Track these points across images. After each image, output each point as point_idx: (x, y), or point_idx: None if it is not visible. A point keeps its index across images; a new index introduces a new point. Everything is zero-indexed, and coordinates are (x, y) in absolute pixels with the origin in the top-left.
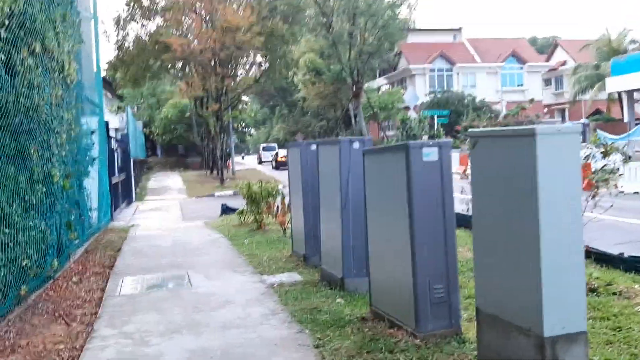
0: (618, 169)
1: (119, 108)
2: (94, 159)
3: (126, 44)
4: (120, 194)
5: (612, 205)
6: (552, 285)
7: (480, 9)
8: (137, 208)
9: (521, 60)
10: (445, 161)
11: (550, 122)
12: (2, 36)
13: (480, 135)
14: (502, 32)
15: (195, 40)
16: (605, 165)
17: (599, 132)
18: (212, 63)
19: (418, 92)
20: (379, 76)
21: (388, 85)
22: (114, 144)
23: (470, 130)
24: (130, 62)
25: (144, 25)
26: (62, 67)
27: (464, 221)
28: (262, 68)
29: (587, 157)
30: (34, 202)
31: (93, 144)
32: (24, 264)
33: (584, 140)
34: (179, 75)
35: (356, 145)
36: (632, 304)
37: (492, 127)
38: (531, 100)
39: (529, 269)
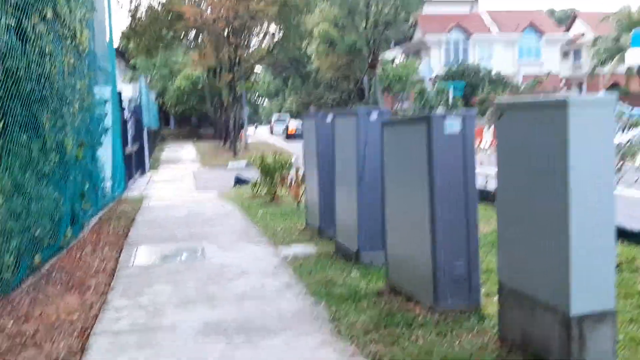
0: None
1: (132, 79)
2: (107, 129)
3: (139, 14)
4: (134, 164)
5: (637, 180)
6: (581, 263)
7: None
8: (151, 178)
9: (539, 32)
10: (468, 133)
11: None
12: (12, 1)
13: (507, 106)
14: (520, 4)
15: (209, 9)
16: (630, 139)
17: (621, 105)
18: (225, 33)
19: (433, 64)
20: (394, 47)
21: (403, 57)
22: (127, 114)
23: (496, 100)
24: (142, 32)
25: None
26: (74, 35)
27: (480, 195)
28: (276, 38)
29: None
30: (47, 171)
31: (106, 113)
32: (37, 233)
33: None
34: (192, 45)
35: (374, 116)
36: None
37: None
38: (549, 73)
39: (557, 245)
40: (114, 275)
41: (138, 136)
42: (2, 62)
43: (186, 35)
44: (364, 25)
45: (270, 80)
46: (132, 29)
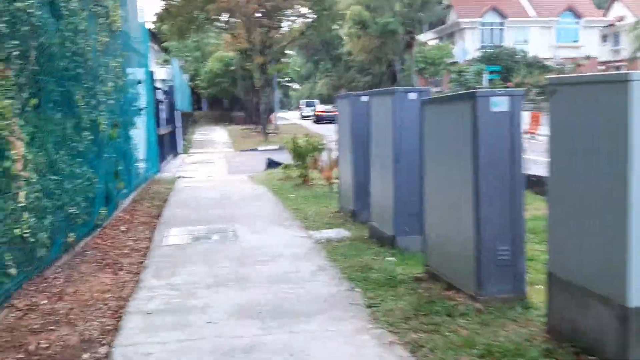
0: None
1: (165, 61)
2: (140, 110)
3: None
4: (167, 145)
5: None
6: None
7: None
8: (183, 160)
9: (577, 15)
10: (516, 112)
11: None
12: None
13: (559, 83)
14: None
15: None
16: None
17: None
18: (258, 14)
19: (467, 47)
20: (428, 30)
21: (436, 40)
22: (160, 96)
23: (549, 77)
24: (176, 13)
25: None
26: (107, 13)
27: None
28: (308, 20)
29: None
30: (81, 149)
31: (140, 94)
32: (72, 211)
33: None
34: (224, 27)
35: (412, 95)
36: None
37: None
38: (587, 57)
39: (614, 233)
40: (147, 255)
41: (171, 118)
42: (36, 38)
43: (218, 17)
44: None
45: (302, 64)
46: (165, 10)
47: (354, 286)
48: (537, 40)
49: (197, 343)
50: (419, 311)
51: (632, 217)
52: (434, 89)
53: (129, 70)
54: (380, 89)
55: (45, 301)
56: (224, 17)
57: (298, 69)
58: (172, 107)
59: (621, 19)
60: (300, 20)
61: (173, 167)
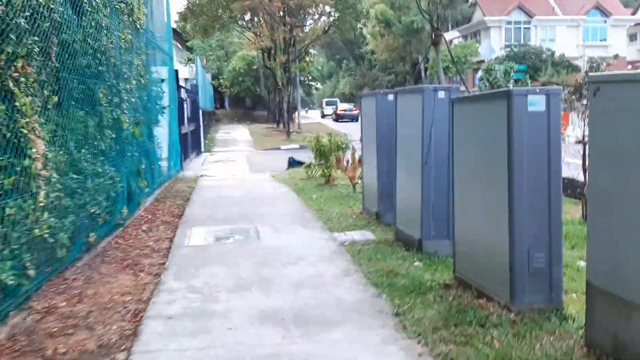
0: None
1: (188, 59)
2: (164, 108)
3: None
4: (190, 144)
5: None
6: None
7: None
8: (206, 159)
9: (605, 13)
10: (553, 112)
11: None
12: None
13: (603, 81)
14: None
15: None
16: None
17: None
18: (281, 13)
19: (493, 46)
20: (452, 28)
21: (461, 39)
22: (183, 94)
23: (590, 75)
24: (199, 12)
25: None
26: (131, 11)
27: None
28: (331, 18)
29: None
30: (103, 148)
31: (163, 92)
32: (93, 210)
33: None
34: (248, 26)
35: (441, 94)
36: None
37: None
38: (615, 56)
39: None
40: (168, 256)
41: (194, 117)
42: (58, 35)
43: (242, 15)
44: (424, 4)
45: (324, 62)
46: (188, 9)
47: (380, 292)
48: (564, 39)
49: (218, 351)
50: (449, 321)
51: None
52: (461, 88)
53: (152, 68)
54: (406, 87)
55: (64, 303)
56: (248, 15)
57: (320, 68)
58: (195, 105)
59: None
60: (324, 18)
61: (196, 165)
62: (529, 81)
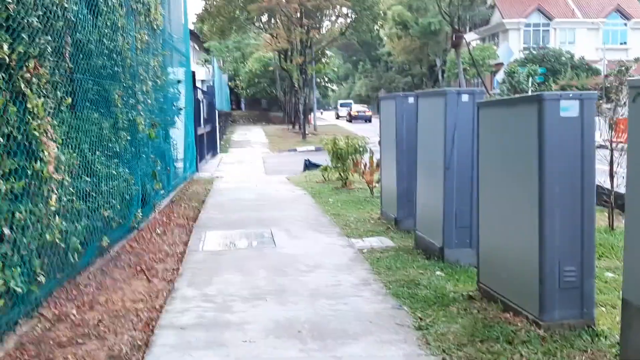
0: None
1: (205, 61)
2: (180, 109)
3: None
4: (206, 145)
5: None
6: None
7: None
8: (222, 160)
9: (626, 16)
10: (587, 118)
11: None
12: None
13: None
14: None
15: None
16: None
17: None
18: (298, 14)
19: (512, 48)
20: (470, 31)
21: (479, 41)
22: (200, 95)
23: (629, 79)
24: (216, 13)
25: None
26: (147, 11)
27: None
28: (348, 20)
29: None
30: (118, 150)
31: (179, 94)
32: (107, 214)
33: None
34: (265, 27)
35: (465, 97)
36: None
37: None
38: (636, 59)
39: None
40: (182, 261)
41: (210, 118)
42: (72, 34)
43: (259, 17)
44: (444, 5)
45: (340, 64)
46: (206, 10)
47: (401, 304)
48: (584, 42)
49: None
50: (474, 336)
51: None
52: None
53: (169, 69)
54: (427, 89)
55: (74, 311)
56: (265, 16)
57: (336, 69)
58: (211, 106)
59: None
60: (341, 20)
61: (211, 166)
62: (552, 85)
